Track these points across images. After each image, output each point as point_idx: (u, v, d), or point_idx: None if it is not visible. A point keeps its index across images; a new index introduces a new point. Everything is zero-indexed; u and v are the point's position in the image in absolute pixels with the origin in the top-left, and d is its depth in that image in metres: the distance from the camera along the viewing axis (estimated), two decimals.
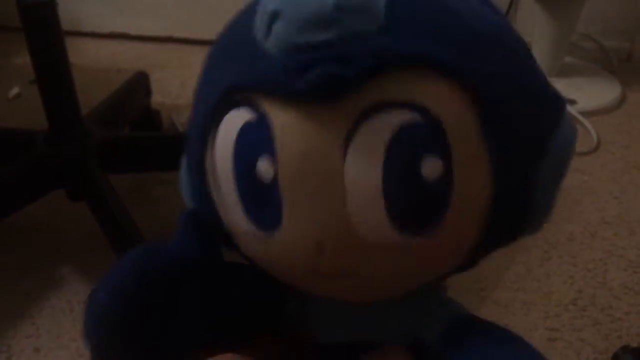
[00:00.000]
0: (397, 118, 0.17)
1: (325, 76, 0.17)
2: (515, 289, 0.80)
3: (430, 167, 0.18)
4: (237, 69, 0.20)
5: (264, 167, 0.19)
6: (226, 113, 0.20)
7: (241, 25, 0.21)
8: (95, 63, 1.50)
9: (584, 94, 1.26)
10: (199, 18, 1.57)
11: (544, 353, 0.75)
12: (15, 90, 1.34)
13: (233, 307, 0.23)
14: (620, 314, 0.76)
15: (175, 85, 1.28)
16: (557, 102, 0.22)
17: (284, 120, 0.18)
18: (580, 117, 1.18)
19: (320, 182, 0.18)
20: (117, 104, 1.02)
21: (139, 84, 1.09)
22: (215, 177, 0.21)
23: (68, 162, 0.83)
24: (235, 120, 0.19)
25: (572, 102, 1.23)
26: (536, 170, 0.21)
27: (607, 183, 1.02)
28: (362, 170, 0.18)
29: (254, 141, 0.19)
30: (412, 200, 0.18)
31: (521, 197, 0.21)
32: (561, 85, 1.28)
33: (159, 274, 0.22)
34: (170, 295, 0.21)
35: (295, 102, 0.18)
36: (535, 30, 1.30)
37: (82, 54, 1.54)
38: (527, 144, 0.20)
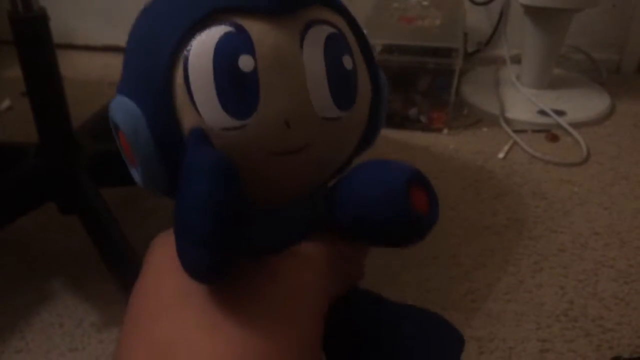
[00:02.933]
0: (326, 30, 0.27)
1: None
2: (507, 300, 0.80)
3: (347, 61, 0.27)
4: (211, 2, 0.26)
5: (245, 61, 0.25)
6: (199, 32, 0.25)
7: None
8: (87, 76, 1.51)
9: (574, 106, 1.27)
10: None
11: None
12: (6, 103, 1.34)
13: None
14: (612, 324, 0.76)
15: None
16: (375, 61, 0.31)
17: (259, 28, 0.25)
18: (569, 129, 1.20)
19: (289, 68, 0.26)
20: (108, 117, 1.02)
21: None
22: (188, 85, 0.25)
23: (59, 175, 0.83)
24: (213, 33, 0.25)
25: (562, 113, 1.24)
26: (380, 79, 0.30)
27: (597, 194, 1.02)
28: (314, 60, 0.26)
29: (234, 44, 0.25)
30: (341, 81, 0.27)
31: (378, 96, 0.30)
32: (551, 97, 1.30)
33: (233, 171, 0.24)
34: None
35: (265, 16, 0.25)
36: (524, 43, 1.31)
37: (74, 67, 1.54)
38: (374, 60, 0.30)
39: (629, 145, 1.18)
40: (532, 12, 1.26)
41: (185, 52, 0.26)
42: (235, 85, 0.25)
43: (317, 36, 0.27)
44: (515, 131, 1.20)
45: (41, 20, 0.77)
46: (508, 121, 1.23)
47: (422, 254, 0.88)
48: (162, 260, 0.29)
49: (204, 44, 0.25)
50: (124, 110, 0.27)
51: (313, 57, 0.26)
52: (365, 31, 0.31)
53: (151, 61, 0.26)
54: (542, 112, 1.25)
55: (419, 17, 1.33)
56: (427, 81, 1.23)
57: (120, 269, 0.75)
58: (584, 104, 1.29)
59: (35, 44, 0.78)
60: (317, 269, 0.29)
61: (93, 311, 0.79)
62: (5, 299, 0.80)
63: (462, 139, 1.20)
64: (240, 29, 0.25)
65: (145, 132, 0.27)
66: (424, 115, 1.23)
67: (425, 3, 1.40)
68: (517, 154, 1.14)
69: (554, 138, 1.19)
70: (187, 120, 0.26)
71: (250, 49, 0.25)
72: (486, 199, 1.01)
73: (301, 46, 0.26)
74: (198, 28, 0.25)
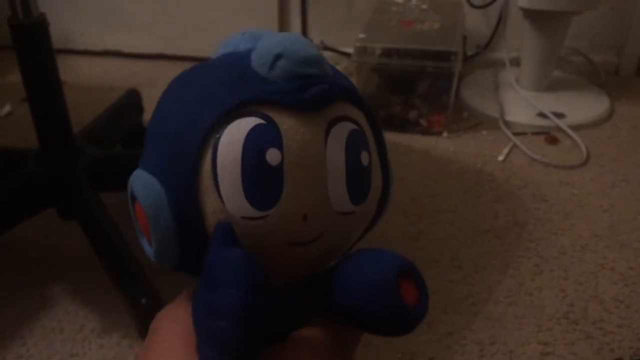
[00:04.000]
0: (348, 127, 0.28)
1: (322, 91, 0.27)
2: (508, 303, 0.80)
3: (365, 157, 0.28)
4: (246, 88, 0.27)
5: (272, 155, 0.26)
6: (233, 120, 0.26)
7: (228, 65, 0.29)
8: (88, 81, 1.51)
9: (573, 108, 1.27)
10: (190, 35, 1.58)
11: None
12: (7, 109, 1.34)
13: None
14: (612, 327, 0.76)
15: None
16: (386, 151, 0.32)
17: (288, 123, 0.26)
18: (569, 131, 1.20)
19: (313, 165, 0.27)
20: (108, 122, 1.02)
21: (131, 101, 1.09)
22: (215, 171, 0.26)
23: (59, 180, 0.83)
24: (244, 124, 0.26)
25: (561, 115, 1.24)
26: (389, 178, 0.32)
27: (597, 196, 1.02)
28: (336, 156, 0.27)
29: (264, 137, 0.26)
30: (358, 177, 0.28)
31: (388, 190, 0.32)
32: (550, 100, 1.30)
33: (260, 281, 0.25)
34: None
35: (295, 111, 0.26)
36: (523, 46, 1.32)
37: (75, 72, 1.54)
38: (386, 155, 0.31)
39: (629, 147, 1.18)
40: (531, 15, 1.26)
41: (215, 140, 0.26)
42: (261, 177, 0.26)
43: (341, 133, 0.27)
44: (515, 134, 1.20)
45: (41, 25, 0.77)
46: (507, 124, 1.23)
47: (422, 258, 0.88)
48: (172, 341, 0.28)
49: (234, 134, 0.26)
50: (146, 186, 0.27)
51: (335, 154, 0.27)
52: (381, 129, 0.31)
53: (181, 144, 0.27)
54: (542, 115, 1.25)
55: (418, 20, 1.33)
56: (426, 84, 1.23)
57: (120, 274, 0.75)
58: (583, 107, 1.29)
59: (35, 50, 0.78)
60: (323, 356, 0.29)
61: (93, 317, 0.79)
62: (6, 304, 0.81)
63: (461, 142, 1.20)
64: (270, 122, 0.26)
65: (166, 212, 0.27)
66: (423, 119, 1.23)
67: (424, 7, 1.40)
68: (516, 156, 1.15)
69: (553, 140, 1.19)
70: (210, 205, 0.26)
71: (278, 143, 0.26)
72: (486, 201, 1.01)
73: (325, 142, 0.27)
74: (230, 117, 0.26)
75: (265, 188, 0.26)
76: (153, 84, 1.37)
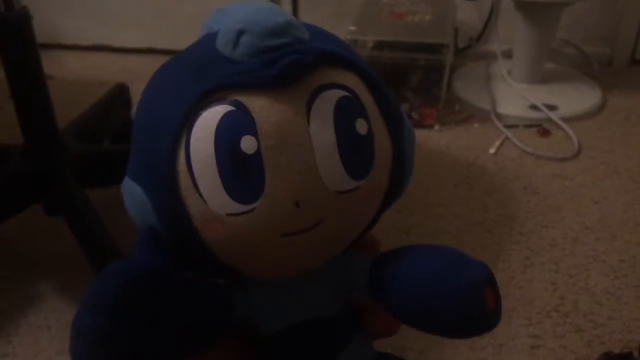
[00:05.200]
0: (335, 94, 0.25)
1: (292, 62, 0.24)
2: None
3: (361, 125, 0.25)
4: (209, 76, 0.24)
5: (247, 142, 0.23)
6: (200, 113, 0.24)
7: (194, 51, 0.27)
8: (77, 76, 1.50)
9: (565, 100, 1.27)
10: (180, 29, 1.56)
11: None
12: None
13: (193, 311, 0.25)
14: (603, 319, 0.76)
15: None
16: (398, 103, 0.29)
17: (260, 105, 0.24)
18: (561, 123, 1.19)
19: (295, 145, 0.24)
20: (95, 117, 1.01)
21: (119, 96, 1.08)
22: (191, 169, 0.24)
23: (44, 176, 0.82)
24: (213, 114, 0.24)
25: (553, 108, 1.24)
26: (404, 142, 0.28)
27: (588, 188, 1.02)
28: (322, 130, 0.24)
29: (235, 125, 0.23)
30: (355, 149, 0.25)
31: (402, 157, 0.28)
32: (542, 92, 1.29)
33: (140, 288, 0.23)
34: (150, 309, 0.23)
35: (266, 90, 0.24)
36: (515, 38, 1.31)
37: (63, 67, 1.53)
38: (397, 117, 0.28)
39: (620, 139, 1.17)
40: (523, 7, 1.25)
41: (186, 136, 0.24)
42: (238, 169, 0.24)
43: (326, 103, 0.24)
44: (507, 126, 1.19)
45: (23, 19, 0.76)
46: (499, 116, 1.23)
47: None
48: None
49: (204, 126, 0.24)
50: (131, 195, 0.26)
51: (321, 127, 0.24)
52: (384, 90, 0.28)
53: (154, 145, 0.25)
54: (534, 107, 1.24)
55: (409, 12, 1.32)
56: (418, 77, 1.22)
57: None
58: (575, 98, 1.29)
59: (18, 44, 0.77)
60: None
61: None
62: None
63: (453, 135, 1.19)
64: (240, 107, 0.24)
65: (152, 219, 0.26)
66: (415, 112, 1.23)
67: None
68: (508, 149, 1.14)
69: (545, 133, 1.19)
70: (193, 206, 0.25)
71: (252, 129, 0.24)
72: (477, 194, 1.00)
73: (308, 116, 0.24)
74: (198, 109, 0.24)
75: (246, 180, 0.24)
76: (143, 79, 1.34)
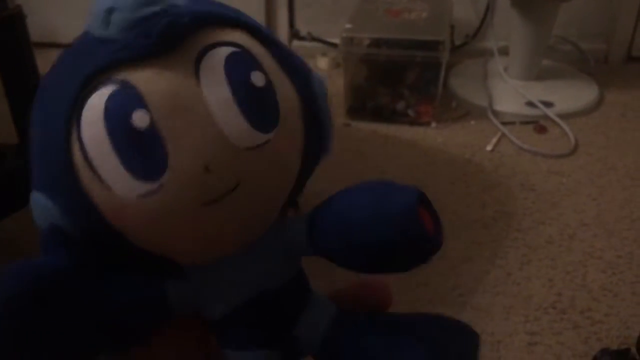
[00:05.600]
0: (223, 51, 0.24)
1: (166, 25, 0.23)
2: (495, 294, 0.79)
3: (257, 77, 0.24)
4: (87, 62, 0.23)
5: (138, 117, 0.22)
6: (85, 101, 0.23)
7: (72, 44, 0.26)
8: None
9: (562, 97, 1.27)
10: None
11: (524, 358, 0.75)
12: None
13: (117, 309, 0.25)
14: (600, 316, 0.76)
15: None
16: (302, 60, 0.28)
17: (144, 77, 0.23)
18: (557, 120, 1.19)
19: (189, 108, 0.23)
20: None
21: None
22: (87, 158, 0.23)
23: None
24: (98, 97, 0.23)
25: (550, 104, 1.24)
26: (313, 93, 0.27)
27: (585, 185, 1.02)
28: (215, 87, 0.23)
29: (122, 102, 0.22)
30: (255, 101, 0.24)
31: (313, 107, 0.27)
32: (539, 88, 1.29)
33: (32, 289, 0.23)
34: (49, 309, 0.23)
35: (147, 61, 0.23)
36: (512, 34, 1.31)
37: None
38: (300, 70, 0.27)
39: (617, 135, 1.17)
40: (519, 4, 1.25)
41: (76, 127, 0.23)
42: (136, 147, 0.22)
43: (214, 61, 0.24)
44: (504, 123, 1.19)
45: (17, 18, 0.75)
46: (496, 113, 1.23)
47: None
48: None
49: (91, 112, 0.23)
50: (37, 205, 0.25)
51: (213, 85, 0.23)
52: (280, 44, 0.27)
53: (47, 147, 0.24)
54: (530, 104, 1.24)
55: (406, 10, 1.32)
56: (414, 75, 1.22)
57: None
58: (572, 95, 1.29)
59: (12, 43, 0.76)
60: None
61: None
62: None
63: (450, 132, 1.19)
64: (124, 84, 0.23)
65: (56, 220, 0.24)
66: (411, 109, 1.23)
67: None
68: (505, 146, 1.14)
69: (542, 129, 1.19)
70: (99, 197, 0.23)
71: (140, 103, 0.22)
72: (474, 192, 1.00)
73: (198, 78, 0.23)
74: (82, 97, 0.23)
75: (146, 156, 0.22)
76: None
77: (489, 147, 1.13)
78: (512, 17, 1.28)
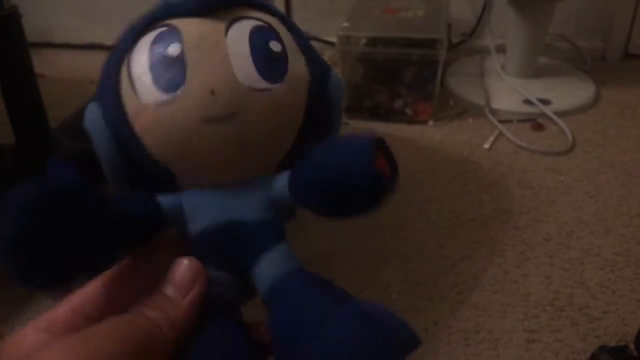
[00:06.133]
0: (252, 23, 0.31)
1: None
2: (493, 292, 0.79)
3: (274, 45, 0.30)
4: (152, 14, 0.31)
5: (173, 47, 0.29)
6: (142, 35, 0.30)
7: (147, 11, 0.32)
8: (69, 75, 1.49)
9: (559, 94, 1.27)
10: None
11: (523, 356, 0.74)
12: None
13: (120, 219, 0.29)
14: (598, 313, 0.76)
15: None
16: (326, 63, 0.34)
17: (188, 25, 0.30)
18: (555, 117, 1.19)
19: (212, 49, 0.29)
20: None
21: None
22: (130, 73, 0.30)
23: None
24: (150, 35, 0.30)
25: (547, 102, 1.24)
26: (327, 83, 0.33)
27: (582, 182, 1.02)
28: (237, 42, 0.30)
29: (165, 38, 0.30)
30: (267, 58, 0.30)
31: (323, 93, 0.32)
32: (536, 86, 1.29)
33: (47, 200, 0.26)
34: (60, 218, 0.26)
35: (192, 17, 0.30)
36: (509, 32, 1.31)
37: (55, 66, 1.52)
38: (316, 58, 0.33)
39: (614, 133, 1.17)
40: (516, 2, 1.25)
41: (130, 53, 0.30)
42: (165, 67, 0.29)
43: (242, 26, 0.30)
44: (501, 121, 1.19)
45: (13, 17, 0.75)
46: (493, 111, 1.23)
47: (407, 247, 0.87)
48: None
49: (143, 42, 0.30)
50: (88, 111, 0.31)
51: (236, 40, 0.30)
52: (302, 33, 0.33)
53: (109, 66, 0.31)
54: (528, 102, 1.24)
55: (402, 8, 1.32)
56: (411, 73, 1.22)
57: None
58: (569, 93, 1.29)
59: (8, 42, 0.76)
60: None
61: None
62: None
63: (447, 131, 1.19)
64: (172, 27, 0.30)
65: (101, 124, 0.30)
66: (409, 108, 1.23)
67: None
68: (502, 144, 1.14)
69: (539, 127, 1.19)
70: (129, 102, 0.30)
71: (178, 39, 0.29)
72: (472, 190, 1.00)
73: (226, 34, 0.30)
74: (142, 34, 0.31)
75: (170, 75, 0.29)
76: None
77: (486, 145, 1.13)
78: (509, 15, 1.28)
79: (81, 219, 0.26)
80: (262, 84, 0.29)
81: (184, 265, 0.29)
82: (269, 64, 0.30)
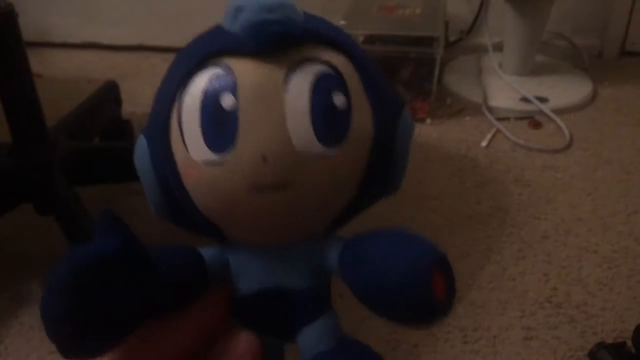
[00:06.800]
0: (318, 68, 0.27)
1: (276, 33, 0.27)
2: (491, 289, 0.79)
3: (338, 99, 0.27)
4: (207, 45, 0.28)
5: (227, 99, 0.26)
6: (195, 75, 0.27)
7: (207, 32, 0.30)
8: (66, 74, 1.48)
9: (556, 92, 1.27)
10: (170, 26, 1.55)
11: (520, 352, 0.75)
12: None
13: (163, 284, 0.28)
14: (596, 310, 0.76)
15: (147, 94, 1.26)
16: (399, 99, 0.30)
17: (243, 68, 0.27)
18: (552, 115, 1.19)
19: (268, 106, 0.26)
20: (85, 114, 1.00)
21: (108, 93, 1.07)
22: (180, 121, 0.28)
23: (34, 175, 0.81)
24: (204, 75, 0.27)
25: (544, 100, 1.24)
26: (395, 132, 0.29)
27: (580, 180, 1.02)
28: (296, 96, 0.26)
29: (219, 84, 0.27)
30: (328, 120, 0.27)
31: (388, 145, 0.29)
32: (533, 84, 1.29)
33: (87, 271, 0.25)
34: (103, 289, 0.25)
35: (252, 56, 0.27)
36: (506, 30, 1.31)
37: (52, 65, 1.52)
38: (388, 104, 0.29)
39: (612, 130, 1.17)
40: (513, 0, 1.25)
41: (181, 93, 0.28)
42: (217, 122, 0.27)
43: (305, 74, 0.27)
44: (498, 119, 1.19)
45: (9, 16, 0.75)
46: (491, 109, 1.23)
47: None
48: None
49: (196, 85, 0.27)
50: (138, 146, 0.30)
51: (296, 93, 0.27)
52: (376, 76, 0.29)
53: (159, 103, 0.29)
54: (525, 99, 1.24)
55: (400, 6, 1.32)
56: (409, 71, 1.22)
57: None
58: (566, 90, 1.29)
59: (4, 42, 0.76)
60: None
61: None
62: None
63: (445, 128, 1.19)
64: (227, 69, 0.27)
65: (147, 162, 0.29)
66: (406, 106, 1.22)
67: None
68: (500, 141, 1.14)
69: (536, 125, 1.19)
70: (178, 153, 0.28)
71: (232, 88, 0.27)
72: (470, 187, 1.01)
73: (286, 83, 0.27)
74: (195, 72, 0.28)
75: (222, 132, 0.27)
76: (132, 76, 1.34)
77: (483, 143, 1.13)
78: (506, 13, 1.28)
79: (129, 292, 0.25)
80: (320, 148, 0.27)
81: (244, 342, 0.28)
82: (330, 124, 0.27)
